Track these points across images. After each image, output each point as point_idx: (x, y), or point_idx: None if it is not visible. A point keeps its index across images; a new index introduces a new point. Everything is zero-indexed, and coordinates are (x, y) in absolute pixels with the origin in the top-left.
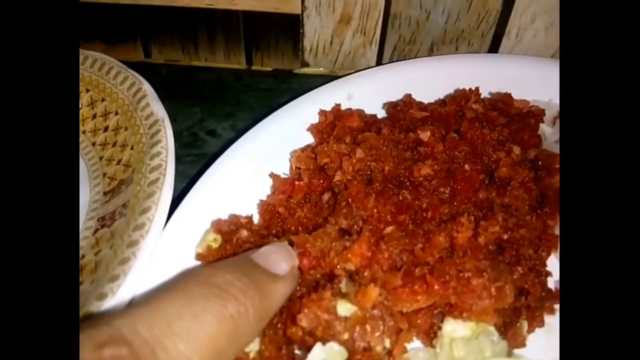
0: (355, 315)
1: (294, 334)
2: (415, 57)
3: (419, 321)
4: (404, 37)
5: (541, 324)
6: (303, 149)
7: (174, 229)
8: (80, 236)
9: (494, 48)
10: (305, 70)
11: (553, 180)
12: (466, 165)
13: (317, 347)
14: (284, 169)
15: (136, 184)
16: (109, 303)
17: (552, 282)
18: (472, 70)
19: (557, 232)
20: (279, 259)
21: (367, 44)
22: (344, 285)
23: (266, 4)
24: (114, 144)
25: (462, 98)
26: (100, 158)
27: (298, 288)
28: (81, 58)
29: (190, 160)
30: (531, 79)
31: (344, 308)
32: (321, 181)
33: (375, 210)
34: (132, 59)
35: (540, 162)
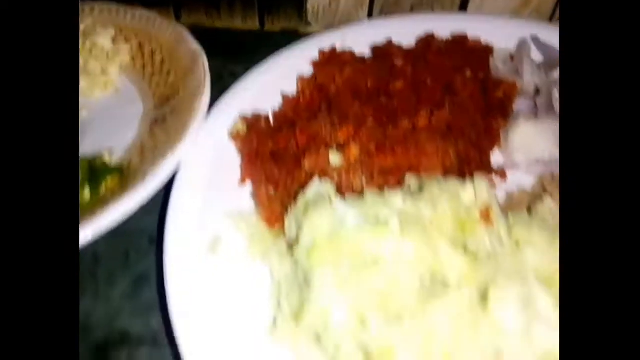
0: (342, 165)
1: (300, 176)
2: None
3: (390, 178)
4: (389, 0)
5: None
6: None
7: (213, 120)
8: (137, 130)
9: (462, 9)
10: (309, 29)
11: (497, 93)
12: (428, 80)
13: (316, 181)
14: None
15: (181, 97)
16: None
17: (496, 165)
18: (443, 25)
19: (501, 133)
20: None
21: (358, 7)
22: (334, 150)
23: None
24: (161, 72)
25: (429, 37)
26: (150, 84)
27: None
28: (128, 14)
29: (217, 92)
30: (490, 30)
31: (335, 158)
32: (319, 95)
33: (359, 110)
34: None
35: (488, 82)
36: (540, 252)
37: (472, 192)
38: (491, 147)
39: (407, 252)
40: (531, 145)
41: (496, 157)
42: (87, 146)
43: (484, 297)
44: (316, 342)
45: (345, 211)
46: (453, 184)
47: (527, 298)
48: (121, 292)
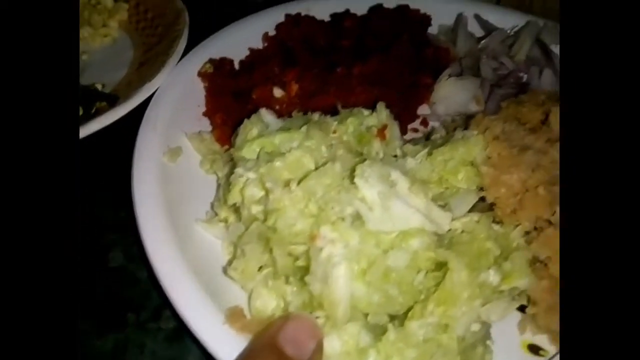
0: (283, 97)
1: (250, 108)
2: None
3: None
4: None
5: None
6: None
7: (187, 61)
8: (127, 70)
9: None
10: None
11: (427, 52)
12: (368, 40)
13: (263, 110)
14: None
15: (164, 43)
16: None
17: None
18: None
19: (432, 87)
20: (306, 339)
21: None
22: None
23: None
24: (151, 26)
25: (377, 6)
26: (141, 35)
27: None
28: None
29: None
30: (437, 8)
31: (278, 92)
32: (278, 48)
33: (308, 60)
34: None
35: (422, 45)
36: (420, 161)
37: (377, 118)
38: (419, 99)
39: (308, 146)
40: (452, 99)
41: (424, 109)
42: (86, 80)
43: (353, 173)
44: (237, 217)
45: (271, 121)
46: (363, 111)
47: (389, 180)
48: (101, 193)
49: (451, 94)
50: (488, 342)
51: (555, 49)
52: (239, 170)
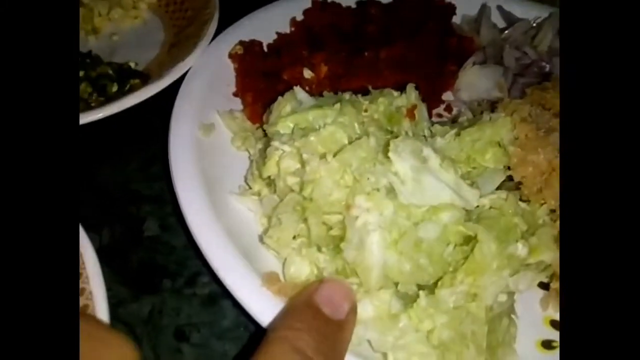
0: (312, 78)
1: (280, 88)
2: None
3: None
4: None
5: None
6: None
7: (218, 43)
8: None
9: None
10: None
11: (451, 40)
12: (394, 27)
13: (297, 88)
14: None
15: (194, 26)
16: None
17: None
18: None
19: (456, 75)
20: (341, 300)
21: None
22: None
23: None
24: (180, 9)
25: None
26: (171, 17)
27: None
28: None
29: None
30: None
31: (307, 73)
32: (306, 32)
33: (334, 44)
34: None
35: (447, 33)
36: (448, 141)
37: (406, 99)
38: (444, 86)
39: (341, 122)
40: (475, 86)
41: (448, 95)
42: (117, 60)
43: (386, 148)
44: (270, 190)
45: (304, 99)
46: (392, 92)
47: (421, 156)
48: (135, 166)
49: (475, 81)
50: (513, 315)
51: None
52: (275, 143)
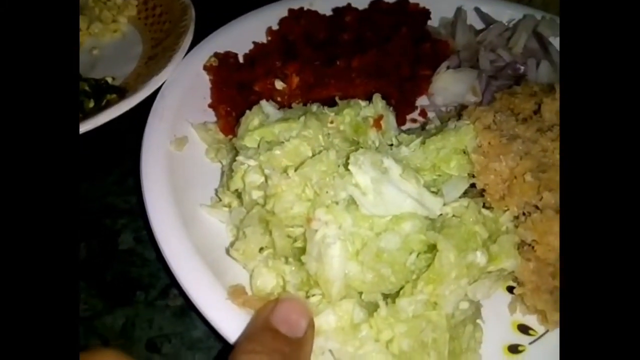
0: (284, 89)
1: (253, 99)
2: None
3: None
4: None
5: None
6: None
7: (193, 55)
8: (136, 64)
9: None
10: None
11: (425, 45)
12: (368, 34)
13: (264, 102)
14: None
15: (171, 38)
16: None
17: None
18: None
19: (430, 79)
20: (298, 318)
21: None
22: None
23: None
24: (159, 22)
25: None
26: (150, 30)
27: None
28: None
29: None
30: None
31: (279, 84)
32: (281, 42)
33: (308, 53)
34: None
35: (422, 38)
36: (413, 150)
37: (373, 109)
38: (418, 91)
39: (305, 135)
40: (449, 90)
41: (424, 100)
42: (96, 74)
43: (347, 160)
44: (239, 202)
45: (272, 112)
46: (360, 102)
47: (382, 167)
48: (111, 180)
49: (449, 86)
50: (478, 320)
51: (553, 42)
52: (240, 158)
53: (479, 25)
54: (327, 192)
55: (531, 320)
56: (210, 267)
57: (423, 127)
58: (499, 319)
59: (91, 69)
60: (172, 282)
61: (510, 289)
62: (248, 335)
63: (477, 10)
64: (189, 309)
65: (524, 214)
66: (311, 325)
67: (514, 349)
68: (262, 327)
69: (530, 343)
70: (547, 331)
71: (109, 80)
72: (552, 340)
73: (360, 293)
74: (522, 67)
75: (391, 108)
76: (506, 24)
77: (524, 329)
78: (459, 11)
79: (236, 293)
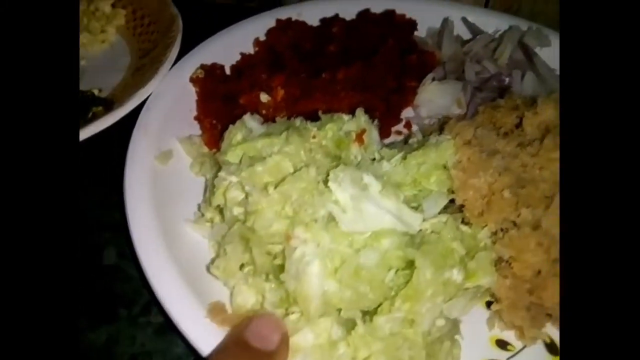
0: (269, 102)
1: (238, 112)
2: None
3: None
4: None
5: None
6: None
7: (180, 67)
8: (123, 75)
9: None
10: None
11: (411, 58)
12: (355, 45)
13: (247, 116)
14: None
15: (158, 49)
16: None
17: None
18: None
19: (416, 90)
20: (270, 333)
21: None
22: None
23: None
24: (147, 32)
25: (364, 11)
26: (138, 40)
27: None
28: None
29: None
30: (425, 11)
31: (264, 97)
32: (268, 53)
33: (295, 65)
34: None
35: (408, 49)
36: (394, 165)
37: (356, 123)
38: (403, 103)
39: (287, 151)
40: (434, 102)
41: (408, 112)
42: (83, 86)
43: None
44: (221, 218)
45: (255, 127)
46: (343, 116)
47: (361, 183)
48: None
49: (434, 97)
50: (457, 337)
51: (540, 53)
52: (222, 173)
53: (466, 35)
54: (306, 209)
55: (509, 336)
56: (190, 285)
57: (406, 140)
58: (478, 334)
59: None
60: (153, 300)
61: (489, 304)
62: (220, 348)
63: (464, 20)
64: (168, 328)
65: (501, 230)
66: (284, 340)
67: None
68: (234, 341)
69: (508, 358)
70: (524, 347)
71: (95, 92)
72: (530, 355)
73: (339, 310)
74: (507, 79)
75: (375, 121)
76: (493, 34)
77: (502, 344)
78: (446, 22)
79: (215, 311)
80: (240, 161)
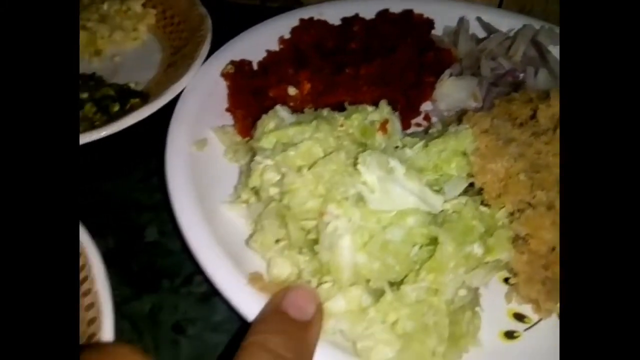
0: (296, 95)
1: (267, 104)
2: None
3: None
4: None
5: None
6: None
7: (211, 63)
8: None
9: None
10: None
11: (429, 54)
12: (375, 43)
13: (278, 106)
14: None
15: (189, 47)
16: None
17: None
18: (403, 5)
19: (434, 86)
20: (306, 303)
21: None
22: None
23: None
24: (177, 30)
25: (384, 11)
26: (168, 38)
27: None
28: None
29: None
30: (443, 11)
31: (292, 90)
32: (292, 50)
33: (318, 61)
34: None
35: (426, 47)
36: (417, 152)
37: (379, 114)
38: (422, 97)
39: (317, 137)
40: (452, 97)
41: (428, 105)
42: (119, 80)
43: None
44: (257, 198)
45: (286, 116)
46: (367, 107)
47: (388, 167)
48: (136, 179)
49: (451, 92)
50: (477, 308)
51: (552, 50)
52: (258, 157)
53: (481, 33)
54: (337, 189)
55: (526, 310)
56: (231, 257)
57: (426, 130)
58: (496, 307)
59: (113, 75)
60: (196, 270)
61: (507, 280)
62: (260, 318)
63: (479, 19)
64: (211, 295)
65: (518, 210)
66: (319, 310)
67: (509, 334)
68: (273, 311)
69: (525, 330)
70: (540, 319)
71: (132, 85)
72: (546, 327)
73: (368, 280)
74: (521, 75)
75: (397, 113)
76: (507, 32)
77: (519, 317)
78: (462, 21)
79: (255, 279)
80: (274, 147)
